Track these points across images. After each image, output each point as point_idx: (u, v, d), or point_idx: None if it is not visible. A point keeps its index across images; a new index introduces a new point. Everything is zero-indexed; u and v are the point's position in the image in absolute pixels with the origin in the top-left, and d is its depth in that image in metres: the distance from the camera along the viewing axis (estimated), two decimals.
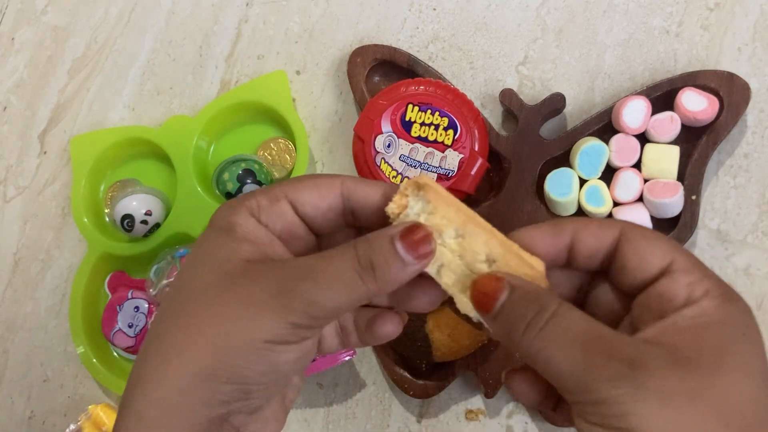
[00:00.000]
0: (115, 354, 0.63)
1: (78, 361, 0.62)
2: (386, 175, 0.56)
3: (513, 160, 0.56)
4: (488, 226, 0.32)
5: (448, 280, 0.32)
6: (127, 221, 0.60)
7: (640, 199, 0.54)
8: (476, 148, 0.55)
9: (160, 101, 0.66)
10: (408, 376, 0.56)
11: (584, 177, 0.55)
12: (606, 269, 0.32)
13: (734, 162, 0.56)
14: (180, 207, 0.61)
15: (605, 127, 0.56)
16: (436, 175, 0.55)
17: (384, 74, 0.61)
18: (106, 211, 0.64)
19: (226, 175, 0.59)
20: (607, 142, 0.55)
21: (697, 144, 0.54)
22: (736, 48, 0.58)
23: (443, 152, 0.55)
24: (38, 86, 0.68)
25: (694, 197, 0.54)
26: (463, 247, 0.31)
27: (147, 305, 0.60)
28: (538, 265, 0.31)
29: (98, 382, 0.62)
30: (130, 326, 0.60)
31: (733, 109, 0.53)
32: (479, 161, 0.55)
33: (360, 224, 0.34)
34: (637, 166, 0.55)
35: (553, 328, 0.28)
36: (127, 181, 0.64)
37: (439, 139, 0.56)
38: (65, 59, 0.68)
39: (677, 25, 0.59)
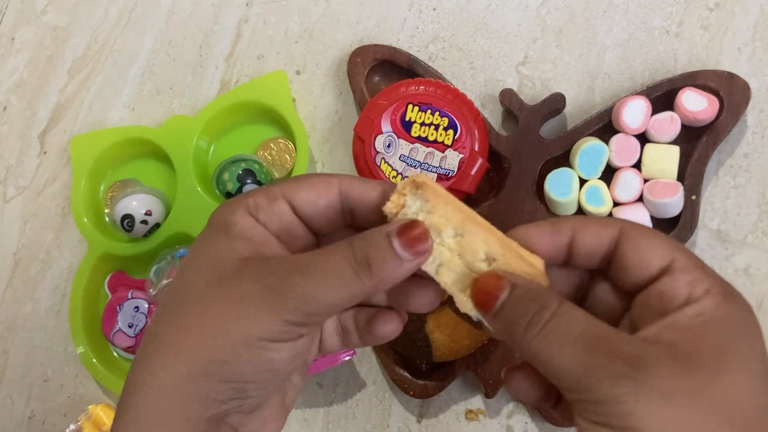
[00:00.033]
0: (115, 354, 0.63)
1: (78, 361, 0.62)
2: (386, 175, 0.56)
3: (513, 160, 0.56)
4: (487, 224, 0.32)
5: (447, 279, 0.31)
6: (127, 221, 0.60)
7: (640, 199, 0.54)
8: (476, 148, 0.55)
9: (160, 101, 0.66)
10: (408, 376, 0.56)
11: (584, 177, 0.55)
12: (605, 268, 0.32)
13: (734, 162, 0.56)
14: (180, 207, 0.61)
15: (605, 127, 0.56)
16: (436, 175, 0.55)
17: (384, 74, 0.61)
18: (106, 211, 0.64)
19: (226, 175, 0.59)
20: (607, 142, 0.55)
21: (697, 144, 0.54)
22: (736, 48, 0.58)
23: (443, 152, 0.56)
24: (38, 86, 0.68)
25: (694, 197, 0.54)
26: (462, 246, 0.31)
27: (147, 305, 0.60)
28: (538, 264, 0.31)
29: (98, 382, 0.62)
30: (130, 326, 0.60)
31: (733, 109, 0.53)
32: (479, 161, 0.55)
33: (359, 224, 0.33)
34: (637, 166, 0.55)
35: (554, 327, 0.28)
36: (127, 181, 0.64)
37: (439, 139, 0.56)
38: (65, 59, 0.68)
39: (677, 25, 0.59)
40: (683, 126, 0.54)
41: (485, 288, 0.30)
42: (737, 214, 0.56)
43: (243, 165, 0.59)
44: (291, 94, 0.62)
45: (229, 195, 0.60)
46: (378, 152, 0.56)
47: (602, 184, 0.55)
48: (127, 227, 0.61)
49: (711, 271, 0.29)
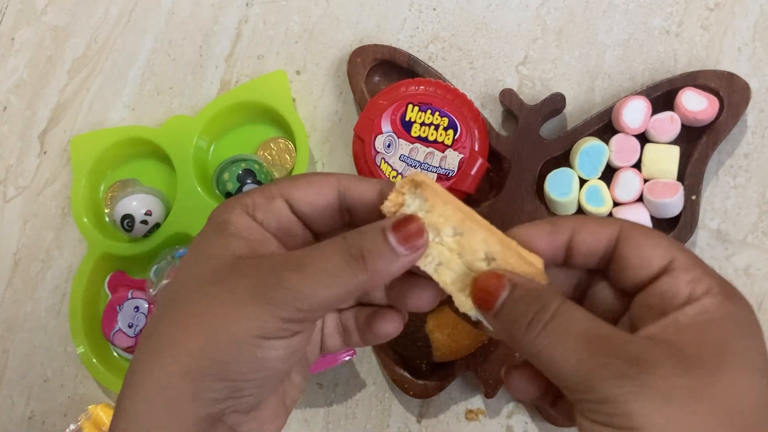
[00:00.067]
0: (115, 354, 0.63)
1: (78, 361, 0.62)
2: (386, 175, 0.56)
3: (513, 160, 0.56)
4: (486, 223, 0.32)
5: (446, 278, 0.31)
6: (127, 221, 0.60)
7: (640, 199, 0.54)
8: (476, 148, 0.55)
9: (160, 101, 0.66)
10: (408, 376, 0.56)
11: (584, 177, 0.55)
12: (604, 268, 0.32)
13: (734, 162, 0.56)
14: (180, 207, 0.61)
15: (605, 127, 0.56)
16: (436, 175, 0.55)
17: (384, 74, 0.61)
18: (106, 211, 0.64)
19: (226, 175, 0.59)
20: (607, 142, 0.55)
21: (697, 144, 0.54)
22: (736, 48, 0.58)
23: (443, 152, 0.56)
24: (38, 86, 0.68)
25: (694, 197, 0.54)
26: (462, 245, 0.31)
27: (147, 305, 0.60)
28: (537, 263, 0.31)
29: (98, 382, 0.62)
30: (130, 326, 0.60)
31: (733, 109, 0.53)
32: (479, 161, 0.55)
33: (357, 223, 0.33)
34: (637, 166, 0.55)
35: (556, 327, 0.28)
36: (127, 181, 0.64)
37: (439, 139, 0.56)
38: (65, 59, 0.68)
39: (677, 25, 0.59)
40: (683, 126, 0.54)
41: (485, 287, 0.30)
42: (737, 214, 0.56)
43: (243, 165, 0.59)
44: (291, 94, 0.62)
45: (229, 195, 0.60)
46: (378, 152, 0.56)
47: (602, 184, 0.55)
48: (127, 227, 0.61)
49: (711, 270, 0.29)
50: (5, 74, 0.69)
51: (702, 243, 0.56)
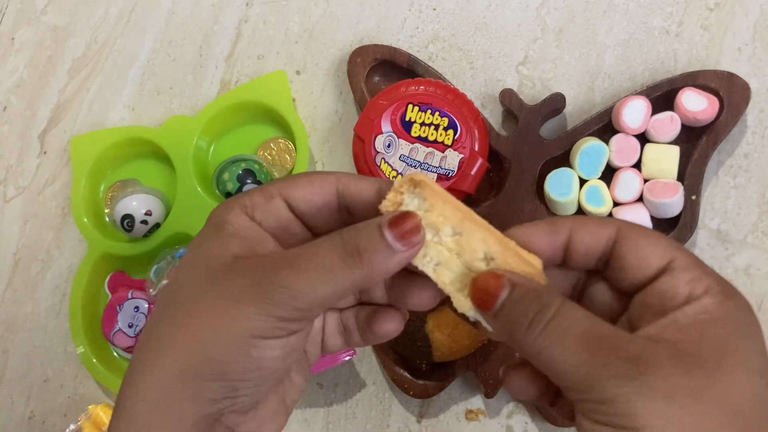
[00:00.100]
0: (115, 354, 0.63)
1: (78, 361, 0.62)
2: (386, 175, 0.56)
3: (513, 160, 0.56)
4: (485, 223, 0.31)
5: (445, 278, 0.31)
6: (127, 221, 0.60)
7: (640, 199, 0.54)
8: (476, 148, 0.55)
9: (160, 101, 0.66)
10: (408, 376, 0.56)
11: (584, 177, 0.55)
12: (602, 268, 0.32)
13: (734, 162, 0.56)
14: (180, 207, 0.61)
15: (605, 127, 0.56)
16: (436, 175, 0.55)
17: (384, 74, 0.61)
18: (106, 211, 0.64)
19: (226, 175, 0.59)
20: (607, 142, 0.55)
21: (697, 144, 0.54)
22: (736, 48, 0.58)
23: (443, 152, 0.56)
24: (38, 86, 0.68)
25: (694, 197, 0.54)
26: (461, 245, 0.31)
27: (147, 305, 0.60)
28: (536, 263, 0.31)
29: (98, 382, 0.62)
30: (130, 326, 0.60)
31: (733, 109, 0.53)
32: (479, 161, 0.55)
33: (356, 221, 0.33)
34: (637, 166, 0.55)
35: (556, 327, 0.28)
36: (127, 181, 0.64)
37: (439, 139, 0.56)
38: (65, 59, 0.68)
39: (677, 25, 0.59)
40: (683, 126, 0.54)
41: (485, 287, 0.30)
42: (737, 214, 0.56)
43: (243, 165, 0.59)
44: (291, 94, 0.62)
45: (229, 195, 0.60)
46: (378, 152, 0.56)
47: (602, 184, 0.55)
48: (127, 227, 0.61)
49: (710, 270, 0.29)
50: (5, 74, 0.69)
51: (702, 243, 0.56)
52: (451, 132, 0.55)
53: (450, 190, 0.55)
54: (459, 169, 0.55)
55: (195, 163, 0.61)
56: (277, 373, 0.31)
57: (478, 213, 0.32)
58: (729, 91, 0.53)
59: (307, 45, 0.64)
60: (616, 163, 0.55)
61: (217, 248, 0.31)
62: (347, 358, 0.57)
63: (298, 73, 0.64)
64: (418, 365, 0.57)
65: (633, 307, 0.31)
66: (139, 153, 0.65)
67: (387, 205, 0.31)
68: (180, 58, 0.66)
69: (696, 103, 0.53)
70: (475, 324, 0.32)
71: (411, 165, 0.56)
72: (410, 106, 0.56)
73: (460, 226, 0.31)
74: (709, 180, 0.56)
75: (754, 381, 0.27)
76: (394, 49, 0.59)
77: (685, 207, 0.54)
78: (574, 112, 0.59)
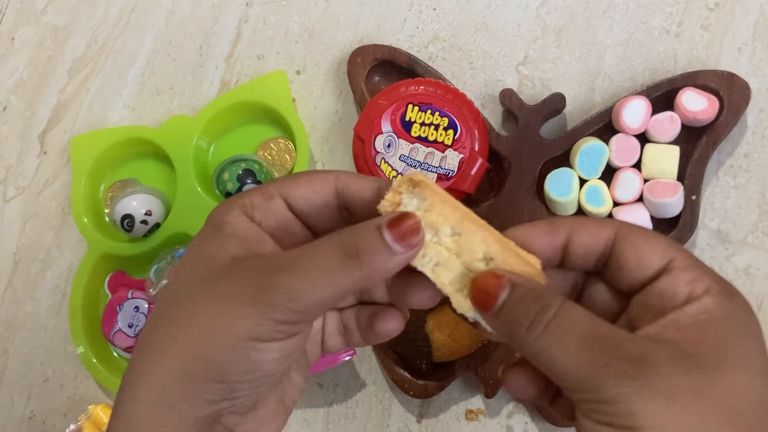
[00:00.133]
0: (115, 354, 0.63)
1: (78, 361, 0.62)
2: (386, 175, 0.56)
3: (513, 160, 0.56)
4: (484, 223, 0.31)
5: (444, 279, 0.31)
6: (127, 221, 0.60)
7: (640, 199, 0.54)
8: (476, 148, 0.55)
9: (160, 101, 0.66)
10: (408, 376, 0.55)
11: (584, 177, 0.55)
12: (601, 269, 0.32)
13: (734, 162, 0.56)
14: (180, 207, 0.61)
15: (605, 127, 0.56)
16: (436, 175, 0.55)
17: (384, 74, 0.61)
18: (106, 211, 0.64)
19: (226, 175, 0.59)
20: (607, 142, 0.55)
21: (697, 144, 0.54)
22: (736, 48, 0.58)
23: (443, 152, 0.56)
24: (38, 86, 0.68)
25: (694, 197, 0.54)
26: (460, 245, 0.31)
27: (147, 305, 0.60)
28: (536, 263, 0.31)
29: (98, 382, 0.62)
30: (130, 326, 0.60)
31: (733, 109, 0.53)
32: (479, 161, 0.55)
33: (356, 220, 0.33)
34: (637, 166, 0.55)
35: (557, 327, 0.28)
36: (127, 181, 0.64)
37: (439, 139, 0.56)
38: (65, 59, 0.68)
39: (677, 25, 0.59)
40: (683, 126, 0.54)
41: (484, 287, 0.30)
42: (737, 214, 0.56)
43: (243, 165, 0.59)
44: (291, 94, 0.62)
45: (229, 195, 0.60)
46: (378, 152, 0.56)
47: (602, 184, 0.55)
48: (127, 227, 0.61)
49: (710, 270, 0.29)
50: (5, 74, 0.69)
51: (702, 243, 0.56)
52: (451, 132, 0.55)
53: (450, 190, 0.55)
54: (459, 169, 0.55)
55: (195, 163, 0.61)
56: (276, 374, 0.31)
57: (478, 213, 0.32)
58: (729, 91, 0.53)
59: (307, 45, 0.64)
60: (616, 163, 0.55)
61: (216, 249, 0.31)
62: (347, 358, 0.57)
63: (298, 73, 0.64)
64: (418, 365, 0.57)
65: (632, 307, 0.31)
66: (139, 153, 0.65)
67: (385, 206, 0.31)
68: (180, 58, 0.66)
69: (696, 103, 0.53)
70: (475, 324, 0.32)
71: (411, 165, 0.56)
72: (410, 106, 0.56)
73: (459, 226, 0.31)
74: (709, 180, 0.56)
75: (754, 381, 0.27)
76: (394, 49, 0.59)
77: (685, 207, 0.54)
78: (574, 112, 0.59)
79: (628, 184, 0.54)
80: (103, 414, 0.60)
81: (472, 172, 0.55)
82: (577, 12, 0.60)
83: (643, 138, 0.55)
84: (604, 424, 0.26)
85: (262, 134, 0.63)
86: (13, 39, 0.69)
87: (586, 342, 0.27)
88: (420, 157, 0.56)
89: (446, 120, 0.55)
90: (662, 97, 0.55)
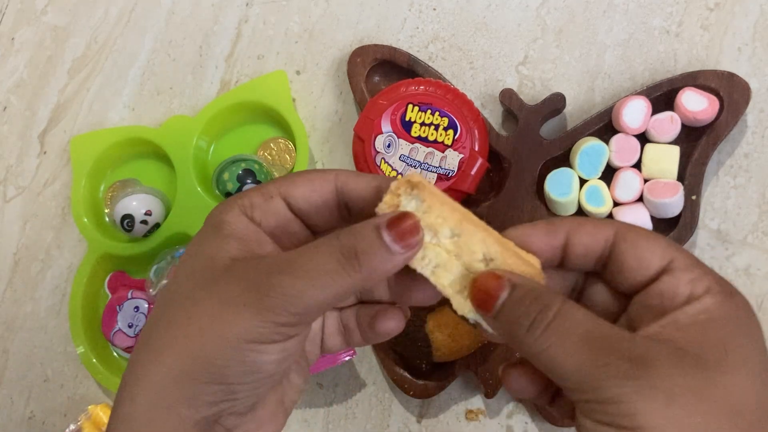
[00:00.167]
0: (115, 354, 0.63)
1: (78, 361, 0.62)
2: (386, 175, 0.56)
3: (513, 160, 0.56)
4: (483, 224, 0.31)
5: (444, 281, 0.31)
6: (127, 221, 0.60)
7: (640, 199, 0.54)
8: (476, 148, 0.55)
9: (160, 101, 0.66)
10: (408, 376, 0.55)
11: (584, 177, 0.55)
12: (600, 269, 0.32)
13: (734, 162, 0.56)
14: (180, 207, 0.61)
15: (605, 127, 0.56)
16: (436, 175, 0.55)
17: (384, 74, 0.61)
18: (106, 211, 0.64)
19: (226, 175, 0.59)
20: (607, 142, 0.55)
21: (697, 144, 0.54)
22: (736, 48, 0.58)
23: (443, 152, 0.56)
24: (38, 86, 0.68)
25: (694, 197, 0.54)
26: (459, 246, 0.31)
27: (147, 305, 0.60)
28: (535, 263, 0.31)
29: (98, 382, 0.62)
30: (130, 326, 0.60)
31: (733, 109, 0.53)
32: (479, 161, 0.55)
33: (356, 219, 0.33)
34: (637, 166, 0.55)
35: (557, 327, 0.28)
36: (127, 181, 0.64)
37: (439, 139, 0.56)
38: (65, 59, 0.68)
39: (677, 25, 0.59)
40: (683, 126, 0.54)
41: (484, 288, 0.30)
42: (737, 214, 0.56)
43: (243, 165, 0.59)
44: (291, 94, 0.62)
45: (229, 195, 0.60)
46: (378, 152, 0.56)
47: (602, 184, 0.55)
48: (127, 227, 0.61)
49: (710, 269, 0.29)
50: (5, 74, 0.69)
51: (702, 243, 0.56)
52: (451, 132, 0.55)
53: (450, 190, 0.55)
54: (459, 169, 0.55)
55: (195, 163, 0.61)
56: (276, 375, 0.31)
57: (478, 213, 0.32)
58: (729, 91, 0.53)
59: (307, 45, 0.64)
60: (616, 163, 0.55)
61: (215, 249, 0.31)
62: (347, 358, 0.57)
63: (298, 73, 0.64)
64: (418, 365, 0.57)
65: (632, 307, 0.31)
66: (139, 153, 0.65)
67: (384, 208, 0.31)
68: (180, 58, 0.66)
69: (696, 103, 0.53)
70: (475, 326, 0.32)
71: (411, 165, 0.56)
72: (410, 106, 0.56)
73: (458, 228, 0.31)
74: (709, 180, 0.56)
75: (754, 380, 0.27)
76: (394, 49, 0.59)
77: (685, 207, 0.54)
78: (574, 112, 0.59)
79: (628, 184, 0.54)
80: (103, 414, 0.60)
81: (472, 172, 0.55)
82: (577, 12, 0.60)
83: (643, 138, 0.55)
84: (605, 424, 0.26)
85: (262, 134, 0.63)
86: (13, 39, 0.69)
87: (586, 342, 0.27)
88: (420, 157, 0.56)
89: (446, 120, 0.55)
90: (662, 97, 0.55)
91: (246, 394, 0.30)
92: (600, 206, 0.54)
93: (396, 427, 0.58)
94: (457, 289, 0.31)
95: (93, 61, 0.67)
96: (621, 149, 0.54)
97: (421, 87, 0.56)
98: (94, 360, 0.60)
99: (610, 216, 0.55)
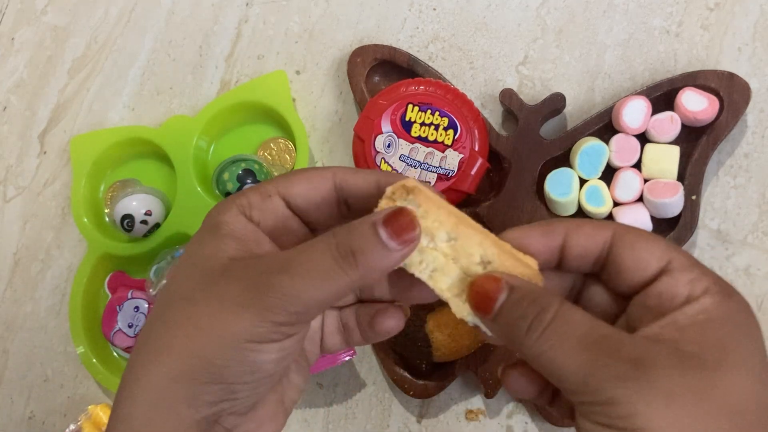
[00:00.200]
0: (115, 354, 0.63)
1: (78, 361, 0.62)
2: None
3: (513, 160, 0.56)
4: (479, 227, 0.31)
5: (442, 284, 0.31)
6: (127, 221, 0.60)
7: (640, 199, 0.54)
8: (476, 148, 0.55)
9: (160, 101, 0.66)
10: (408, 376, 0.55)
11: (584, 177, 0.55)
12: (598, 271, 0.32)
13: (734, 162, 0.56)
14: (180, 207, 0.61)
15: (605, 127, 0.56)
16: (436, 175, 0.55)
17: (384, 74, 0.61)
18: (106, 211, 0.64)
19: (226, 175, 0.59)
20: (607, 142, 0.55)
21: (697, 144, 0.54)
22: (736, 48, 0.58)
23: (443, 152, 0.55)
24: (38, 86, 0.68)
25: (694, 197, 0.54)
26: (457, 249, 0.31)
27: (147, 305, 0.60)
28: (533, 264, 0.31)
29: (98, 382, 0.62)
30: (130, 326, 0.60)
31: (733, 109, 0.53)
32: (479, 161, 0.55)
33: (356, 215, 0.32)
34: (637, 166, 0.55)
35: (556, 329, 0.28)
36: (127, 181, 0.64)
37: (439, 139, 0.56)
38: (65, 59, 0.68)
39: (677, 25, 0.59)
40: (683, 126, 0.54)
41: (482, 291, 0.30)
42: (737, 214, 0.56)
43: (243, 165, 0.59)
44: (291, 94, 0.62)
45: (228, 195, 0.60)
46: (378, 152, 0.56)
47: (602, 184, 0.55)
48: (127, 227, 0.61)
49: (709, 270, 0.29)
50: (5, 74, 0.69)
51: (702, 243, 0.56)
52: (451, 132, 0.55)
53: (450, 190, 0.55)
54: (459, 169, 0.55)
55: (195, 163, 0.61)
56: (275, 374, 0.31)
57: (478, 213, 0.32)
58: (729, 91, 0.53)
59: (307, 45, 0.64)
60: (616, 163, 0.55)
61: (213, 249, 0.31)
62: (347, 358, 0.57)
63: (298, 73, 0.64)
64: (418, 365, 0.57)
65: (631, 308, 0.31)
66: (139, 153, 0.65)
67: None
68: (180, 58, 0.66)
69: (696, 103, 0.53)
70: (475, 328, 0.32)
71: (411, 165, 0.56)
72: (410, 106, 0.56)
73: (455, 231, 0.31)
74: (709, 180, 0.56)
75: (754, 381, 0.27)
76: (394, 49, 0.59)
77: (685, 207, 0.54)
78: (574, 112, 0.59)
79: (628, 184, 0.54)
80: (103, 414, 0.60)
81: (472, 172, 0.55)
82: (577, 12, 0.60)
83: (643, 138, 0.55)
84: (604, 425, 0.26)
85: (262, 134, 0.63)
86: (13, 39, 0.69)
87: (585, 344, 0.27)
88: (420, 157, 0.56)
89: (446, 120, 0.55)
90: (662, 97, 0.55)
91: (246, 393, 0.30)
92: (600, 206, 0.54)
93: (396, 427, 0.58)
94: (456, 293, 0.31)
95: (93, 61, 0.67)
96: (621, 149, 0.54)
97: (421, 87, 0.56)
98: (94, 360, 0.60)
99: (610, 216, 0.55)
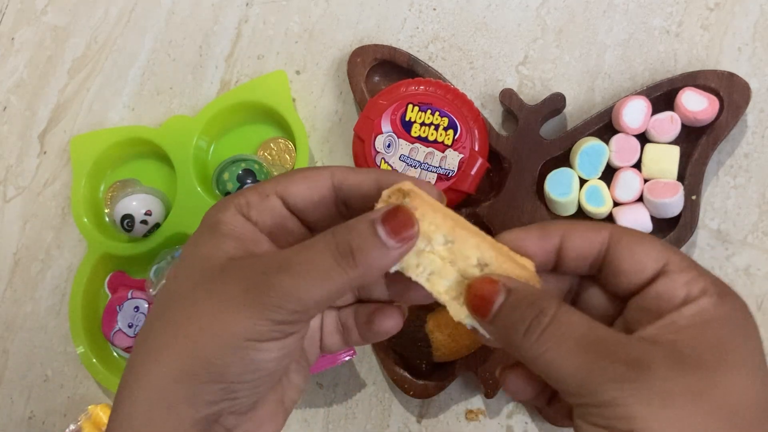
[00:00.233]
0: (115, 354, 0.63)
1: (78, 361, 0.62)
2: None
3: (513, 160, 0.56)
4: (476, 229, 0.31)
5: (439, 287, 0.31)
6: (127, 221, 0.60)
7: (640, 199, 0.54)
8: (476, 148, 0.55)
9: (160, 101, 0.66)
10: (408, 376, 0.56)
11: (584, 177, 0.55)
12: (595, 273, 0.32)
13: (734, 162, 0.56)
14: (180, 207, 0.61)
15: (605, 127, 0.56)
16: (436, 175, 0.55)
17: (384, 74, 0.61)
18: (106, 211, 0.64)
19: (226, 175, 0.59)
20: (607, 142, 0.55)
21: (697, 144, 0.54)
22: (736, 48, 0.57)
23: (443, 152, 0.55)
24: (38, 86, 0.68)
25: (694, 197, 0.54)
26: (454, 252, 0.31)
27: (147, 305, 0.60)
28: (530, 266, 0.31)
29: (98, 382, 0.62)
30: (130, 326, 0.60)
31: (733, 109, 0.53)
32: (479, 161, 0.55)
33: (354, 214, 0.32)
34: (637, 166, 0.55)
35: (554, 331, 0.28)
36: (127, 181, 0.64)
37: (439, 139, 0.56)
38: (65, 59, 0.68)
39: (677, 25, 0.59)
40: (683, 126, 0.54)
41: (480, 293, 0.30)
42: (737, 214, 0.56)
43: (243, 165, 0.59)
44: (291, 94, 0.62)
45: (228, 195, 0.60)
46: (378, 152, 0.56)
47: (602, 184, 0.55)
48: (127, 227, 0.61)
49: (706, 271, 0.29)
50: (5, 74, 0.69)
51: (702, 243, 0.56)
52: (451, 132, 0.55)
53: (450, 190, 0.55)
54: (459, 169, 0.55)
55: (195, 163, 0.61)
56: (275, 374, 0.31)
57: (478, 213, 0.32)
58: (729, 91, 0.53)
59: (307, 45, 0.64)
60: (616, 163, 0.55)
61: (211, 249, 0.31)
62: (347, 358, 0.57)
63: (298, 73, 0.64)
64: (418, 365, 0.57)
65: (629, 310, 0.31)
66: (139, 153, 0.65)
67: None
68: (180, 58, 0.66)
69: (696, 103, 0.53)
70: (473, 331, 0.32)
71: (411, 165, 0.56)
72: (410, 106, 0.56)
73: (451, 234, 0.30)
74: (709, 180, 0.56)
75: (753, 381, 0.27)
76: (394, 49, 0.59)
77: (685, 207, 0.53)
78: (574, 112, 0.59)
79: (628, 184, 0.54)
80: (103, 414, 0.60)
81: (472, 172, 0.55)
82: (577, 12, 0.60)
83: (643, 138, 0.55)
84: (602, 427, 0.26)
85: (262, 134, 0.63)
86: (13, 39, 0.69)
87: (582, 346, 0.27)
88: (420, 157, 0.56)
89: (446, 120, 0.55)
90: (662, 97, 0.55)
91: (246, 393, 0.30)
92: (600, 206, 0.54)
93: (396, 427, 0.58)
94: (453, 296, 0.31)
95: (93, 61, 0.67)
96: (621, 149, 0.54)
97: (421, 87, 0.56)
98: (94, 360, 0.60)
99: (610, 216, 0.55)
